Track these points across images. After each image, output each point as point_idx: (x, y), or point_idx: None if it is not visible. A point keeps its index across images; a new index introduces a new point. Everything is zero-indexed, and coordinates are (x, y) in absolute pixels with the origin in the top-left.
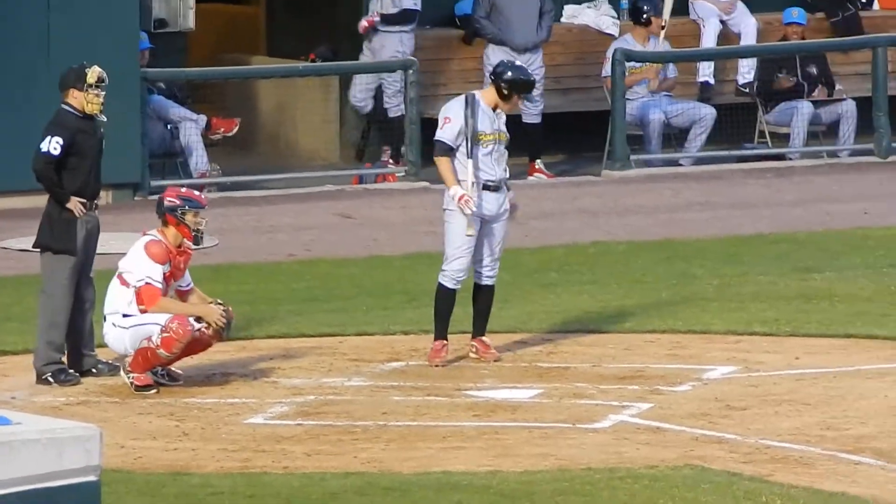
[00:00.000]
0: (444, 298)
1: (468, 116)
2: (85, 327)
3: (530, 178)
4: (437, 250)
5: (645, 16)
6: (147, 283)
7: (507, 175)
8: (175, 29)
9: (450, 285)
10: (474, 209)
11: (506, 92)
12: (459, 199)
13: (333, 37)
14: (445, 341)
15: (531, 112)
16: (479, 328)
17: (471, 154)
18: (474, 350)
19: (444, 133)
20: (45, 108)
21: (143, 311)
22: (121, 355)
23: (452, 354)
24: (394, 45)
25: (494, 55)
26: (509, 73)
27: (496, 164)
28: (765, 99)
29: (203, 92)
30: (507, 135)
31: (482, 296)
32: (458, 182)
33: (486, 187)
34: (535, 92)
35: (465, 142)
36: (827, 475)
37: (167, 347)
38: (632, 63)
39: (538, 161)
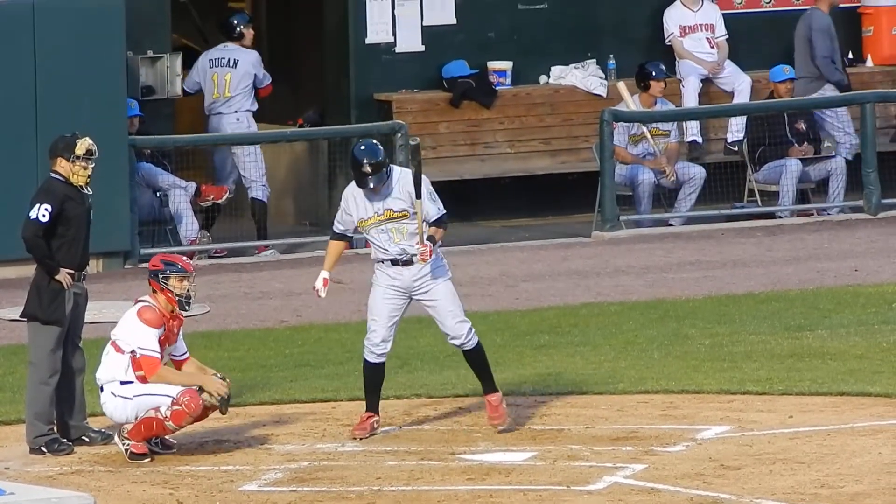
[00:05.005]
0: (366, 372)
1: (345, 210)
2: (74, 395)
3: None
4: (426, 314)
5: (646, 80)
6: (144, 354)
7: (419, 243)
8: (163, 96)
9: (369, 358)
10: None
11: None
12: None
13: (321, 101)
14: (372, 414)
15: None
16: (484, 386)
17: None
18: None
19: (336, 218)
20: (34, 176)
21: (141, 379)
22: (118, 424)
23: (448, 420)
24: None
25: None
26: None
27: (390, 242)
28: (753, 157)
29: (192, 158)
30: (400, 210)
31: (469, 359)
32: (325, 269)
33: (394, 262)
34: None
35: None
36: None
37: (177, 420)
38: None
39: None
